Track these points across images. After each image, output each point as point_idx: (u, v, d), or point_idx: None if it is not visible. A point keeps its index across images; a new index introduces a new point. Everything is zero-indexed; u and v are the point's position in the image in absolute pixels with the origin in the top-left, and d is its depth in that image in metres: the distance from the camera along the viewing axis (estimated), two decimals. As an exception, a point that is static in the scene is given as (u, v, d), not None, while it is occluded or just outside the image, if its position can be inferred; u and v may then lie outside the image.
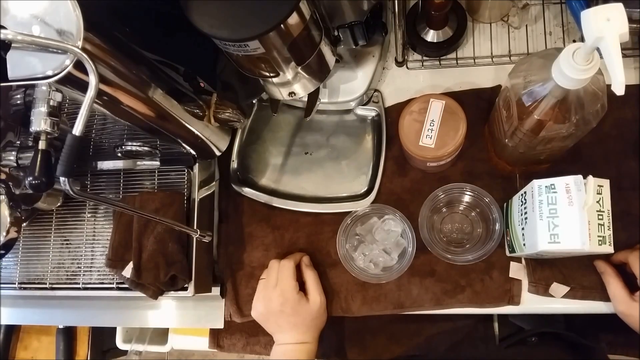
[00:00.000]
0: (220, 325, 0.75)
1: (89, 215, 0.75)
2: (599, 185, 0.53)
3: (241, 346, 0.83)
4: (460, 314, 0.69)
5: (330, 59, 0.62)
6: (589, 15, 0.39)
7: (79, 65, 0.39)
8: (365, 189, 0.72)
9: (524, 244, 0.58)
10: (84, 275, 0.73)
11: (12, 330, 1.01)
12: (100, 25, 0.42)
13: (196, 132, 0.62)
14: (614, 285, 0.60)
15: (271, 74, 0.57)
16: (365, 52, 0.70)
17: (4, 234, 0.63)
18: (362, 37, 0.62)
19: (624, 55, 0.52)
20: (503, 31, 0.72)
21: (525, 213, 0.57)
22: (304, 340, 0.66)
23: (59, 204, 0.74)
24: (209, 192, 0.74)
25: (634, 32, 0.65)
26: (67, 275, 0.74)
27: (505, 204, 0.66)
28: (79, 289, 0.73)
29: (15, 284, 0.75)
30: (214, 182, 0.76)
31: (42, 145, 0.55)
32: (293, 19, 0.49)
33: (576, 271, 0.64)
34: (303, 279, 0.69)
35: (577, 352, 0.72)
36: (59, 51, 0.38)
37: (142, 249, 0.67)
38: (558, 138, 0.52)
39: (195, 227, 0.69)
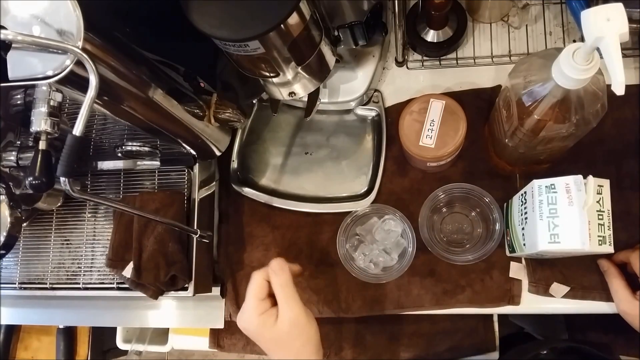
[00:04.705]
0: (220, 325, 0.75)
1: (89, 215, 0.75)
2: (599, 185, 0.53)
3: (241, 346, 0.83)
4: (460, 314, 0.69)
5: (330, 59, 0.62)
6: (589, 15, 0.39)
7: (79, 65, 0.39)
8: (365, 189, 0.72)
9: (524, 244, 0.58)
10: (84, 275, 0.73)
11: (13, 330, 1.01)
12: (100, 25, 0.42)
13: (196, 132, 0.62)
14: (617, 284, 0.60)
15: (271, 74, 0.57)
16: (365, 52, 0.70)
17: (5, 233, 0.63)
18: (362, 37, 0.62)
19: (624, 55, 0.52)
20: (503, 31, 0.72)
21: (526, 213, 0.57)
22: None
23: (59, 204, 0.75)
24: (209, 192, 0.74)
25: (634, 32, 0.65)
26: (68, 275, 0.74)
27: (505, 204, 0.66)
28: (79, 289, 0.73)
29: (15, 284, 0.75)
30: (214, 182, 0.76)
31: (42, 145, 0.55)
32: (293, 19, 0.49)
33: (576, 271, 0.64)
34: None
35: None
36: (59, 51, 0.38)
37: (142, 249, 0.67)
38: (558, 138, 0.52)
39: (195, 227, 0.69)
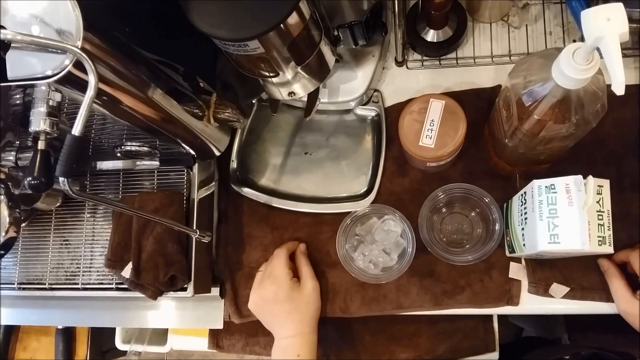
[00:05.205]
0: (219, 325, 0.74)
1: (88, 215, 0.75)
2: (598, 186, 0.53)
3: (241, 347, 0.83)
4: (459, 315, 0.69)
5: (330, 58, 0.62)
6: (589, 15, 0.39)
7: (78, 65, 0.39)
8: (365, 189, 0.72)
9: (524, 244, 0.58)
10: (83, 275, 0.73)
11: (12, 331, 1.01)
12: (99, 25, 0.42)
13: (196, 132, 0.62)
14: (617, 283, 0.60)
15: (271, 74, 0.57)
16: (365, 52, 0.70)
17: (4, 234, 0.63)
18: (362, 36, 0.62)
19: (624, 55, 0.52)
20: (503, 31, 0.72)
21: (525, 213, 0.57)
22: (302, 331, 0.65)
23: (58, 204, 0.74)
24: (209, 192, 0.74)
25: (634, 31, 0.65)
26: (67, 275, 0.74)
27: (505, 204, 0.66)
28: (78, 289, 0.73)
29: (14, 284, 0.75)
30: (214, 182, 0.76)
31: (41, 145, 0.55)
32: (293, 18, 0.49)
33: (576, 271, 0.64)
34: (297, 267, 0.70)
35: None
36: (59, 51, 0.38)
37: (141, 250, 0.67)
38: (558, 138, 0.52)
39: (194, 228, 0.69)
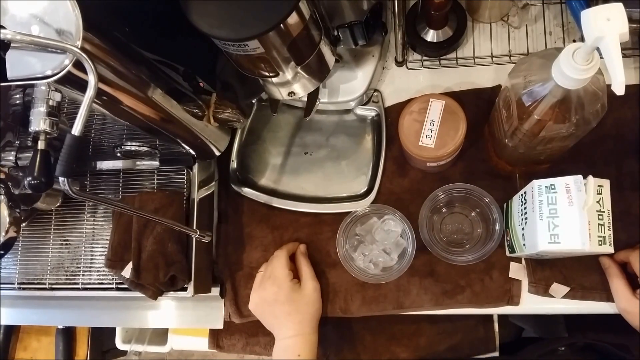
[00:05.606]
0: (219, 325, 0.74)
1: (88, 215, 0.75)
2: (599, 185, 0.53)
3: (241, 346, 0.83)
4: (459, 315, 0.69)
5: (330, 58, 0.62)
6: (589, 15, 0.39)
7: (78, 65, 0.39)
8: (365, 189, 0.72)
9: (524, 244, 0.58)
10: (83, 275, 0.73)
11: (12, 331, 1.01)
12: (99, 25, 0.42)
13: (196, 132, 0.62)
14: (617, 282, 0.60)
15: (271, 74, 0.57)
16: (365, 52, 0.70)
17: (4, 234, 0.63)
18: (362, 37, 0.62)
19: (624, 55, 0.52)
20: (503, 31, 0.72)
21: (525, 213, 0.57)
22: (303, 331, 0.66)
23: (58, 204, 0.74)
24: (209, 192, 0.74)
25: (634, 32, 0.65)
26: (67, 275, 0.74)
27: (505, 204, 0.66)
28: (78, 289, 0.73)
29: (14, 284, 0.75)
30: (214, 182, 0.76)
31: (41, 145, 0.55)
32: (293, 18, 0.49)
33: (576, 271, 0.64)
34: (297, 268, 0.71)
35: None
36: (58, 51, 0.38)
37: (141, 249, 0.67)
38: (558, 138, 0.52)
39: (194, 227, 0.69)
